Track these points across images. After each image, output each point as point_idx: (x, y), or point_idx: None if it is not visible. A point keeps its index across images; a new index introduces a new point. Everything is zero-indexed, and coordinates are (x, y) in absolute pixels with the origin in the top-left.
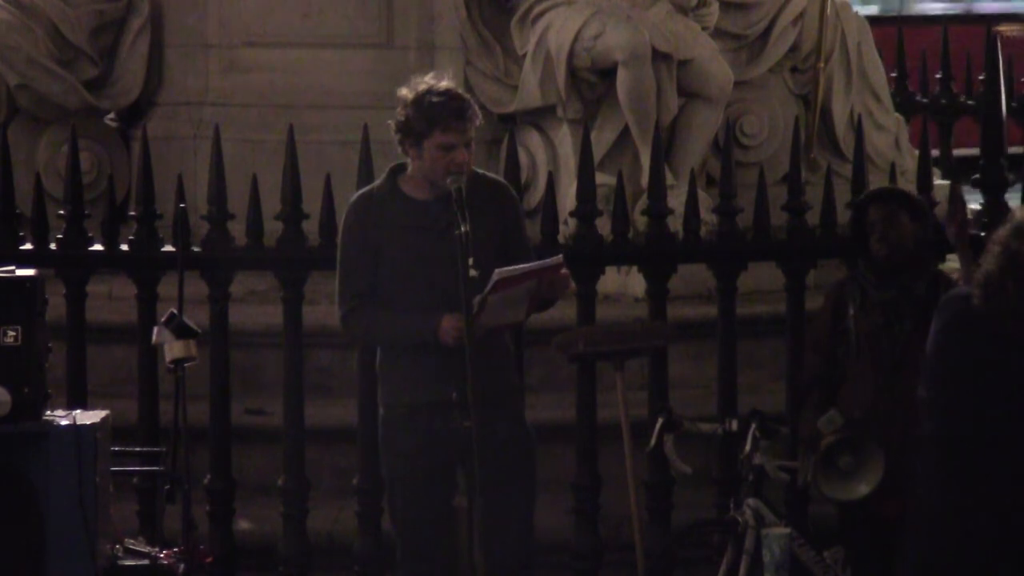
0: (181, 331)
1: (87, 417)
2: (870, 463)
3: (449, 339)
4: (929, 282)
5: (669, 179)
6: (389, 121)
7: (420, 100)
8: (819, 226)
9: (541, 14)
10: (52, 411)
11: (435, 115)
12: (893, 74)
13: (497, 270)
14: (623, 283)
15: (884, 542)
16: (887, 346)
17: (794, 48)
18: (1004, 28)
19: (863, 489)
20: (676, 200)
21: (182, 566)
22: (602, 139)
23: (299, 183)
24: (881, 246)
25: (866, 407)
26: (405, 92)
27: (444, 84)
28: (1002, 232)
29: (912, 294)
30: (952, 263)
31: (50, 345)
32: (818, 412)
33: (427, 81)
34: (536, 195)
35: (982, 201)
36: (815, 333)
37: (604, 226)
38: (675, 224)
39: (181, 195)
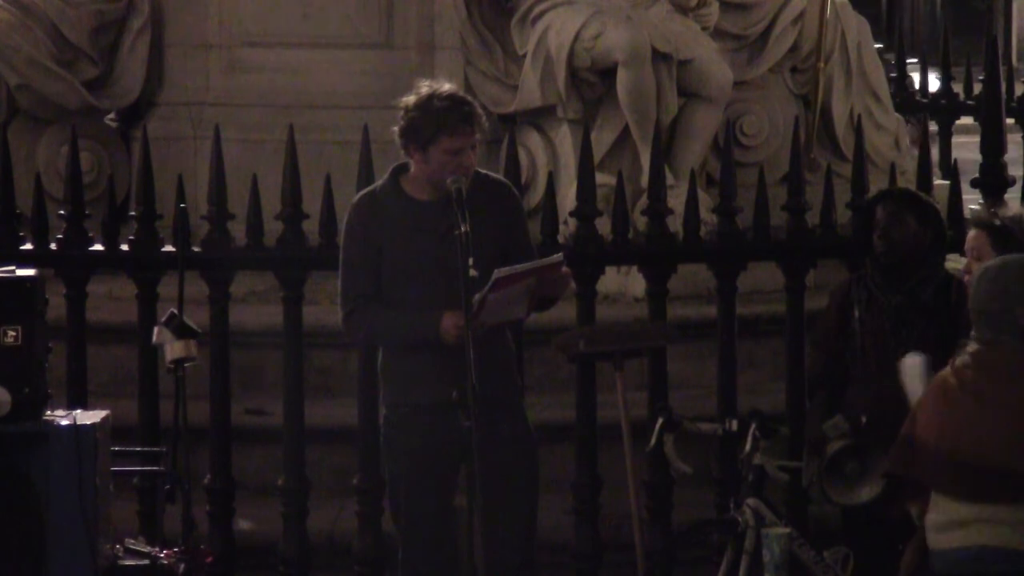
0: (181, 331)
1: (87, 417)
2: (875, 469)
3: (450, 337)
4: (938, 287)
5: (669, 179)
6: (393, 127)
7: (426, 104)
8: (819, 226)
9: (541, 14)
10: (52, 411)
11: (442, 119)
12: (893, 74)
13: (496, 270)
14: (623, 283)
15: (888, 543)
16: (894, 350)
17: (794, 48)
18: None
19: (865, 495)
20: (676, 200)
21: (182, 566)
22: (602, 139)
23: (299, 183)
24: (880, 243)
25: (872, 410)
26: (407, 98)
27: (448, 87)
28: None
29: (920, 299)
30: (953, 263)
31: (50, 345)
32: (823, 413)
33: (429, 84)
34: (536, 195)
35: (981, 201)
36: (820, 332)
37: (604, 226)
38: (675, 224)
39: (181, 195)
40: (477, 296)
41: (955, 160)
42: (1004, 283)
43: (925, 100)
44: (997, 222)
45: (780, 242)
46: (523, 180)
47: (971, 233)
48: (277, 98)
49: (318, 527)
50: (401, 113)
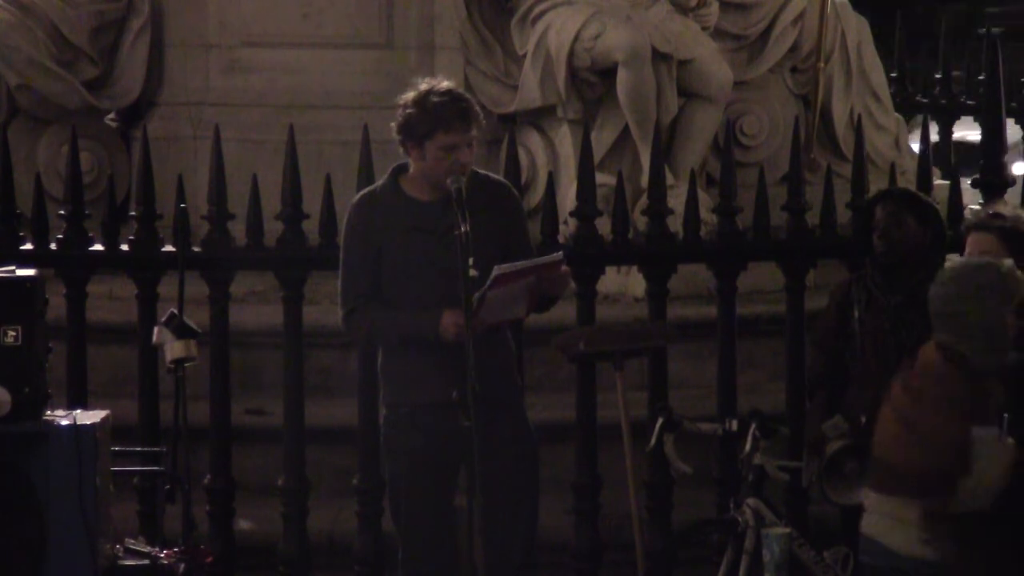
0: (181, 331)
1: (87, 417)
2: None
3: (450, 335)
4: None
5: (669, 179)
6: (392, 123)
7: (422, 100)
8: (819, 226)
9: (541, 14)
10: (52, 411)
11: (438, 115)
12: (893, 74)
13: (496, 267)
14: (623, 283)
15: None
16: (894, 350)
17: (794, 48)
18: None
19: (865, 495)
20: (676, 200)
21: (182, 566)
22: (602, 139)
23: (299, 183)
24: (880, 243)
25: (871, 410)
26: (405, 95)
27: (445, 84)
28: None
29: (920, 300)
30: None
31: (50, 345)
32: (823, 413)
33: (427, 81)
34: (536, 195)
35: (981, 201)
36: (819, 332)
37: (604, 226)
38: (675, 224)
39: (181, 195)
40: (477, 294)
41: (955, 160)
42: (963, 286)
43: (925, 100)
44: (1006, 224)
45: (780, 242)
46: (523, 180)
47: (975, 236)
48: (277, 98)
49: (318, 527)
50: (399, 110)
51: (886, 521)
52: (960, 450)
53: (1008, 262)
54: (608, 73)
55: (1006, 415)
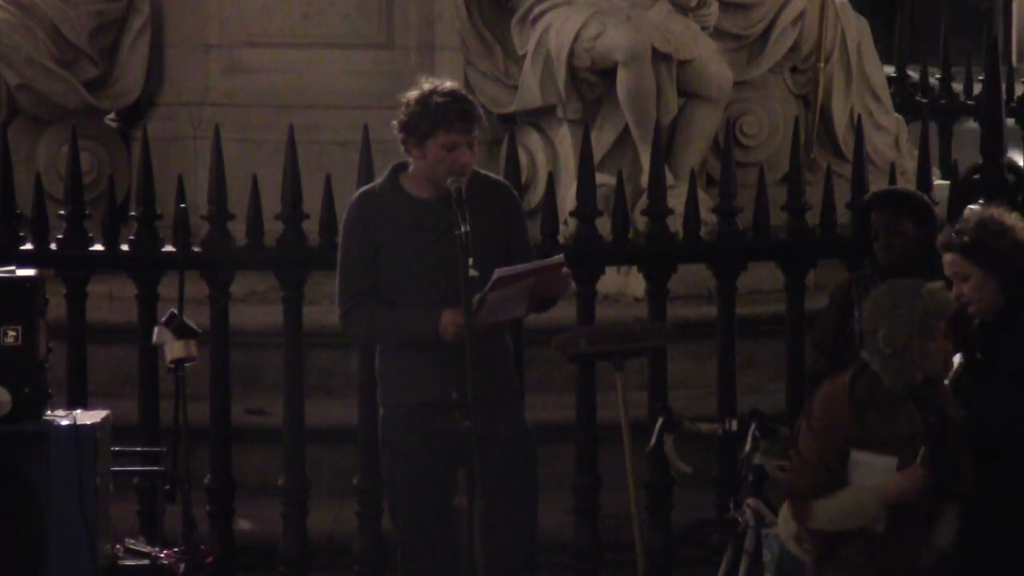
0: (181, 331)
1: (87, 417)
2: None
3: (449, 334)
4: None
5: (669, 179)
6: (393, 121)
7: (425, 100)
8: (819, 226)
9: (541, 14)
10: (52, 411)
11: (440, 115)
12: (893, 74)
13: (497, 269)
14: (623, 283)
15: None
16: None
17: (794, 48)
18: None
19: None
20: (676, 200)
21: (182, 566)
22: (602, 139)
23: (299, 183)
24: (885, 254)
25: None
26: (409, 93)
27: (448, 84)
28: None
29: None
30: None
31: (50, 345)
32: None
33: (431, 81)
34: (536, 195)
35: (981, 201)
36: (819, 332)
37: (604, 226)
38: (675, 224)
39: (181, 195)
40: (477, 296)
41: (955, 160)
42: (880, 305)
43: (925, 100)
44: (966, 239)
45: (780, 242)
46: (523, 180)
47: (946, 258)
48: (277, 98)
49: (318, 527)
50: (402, 108)
51: (785, 512)
52: (817, 474)
53: (938, 283)
54: (608, 73)
55: (923, 448)
